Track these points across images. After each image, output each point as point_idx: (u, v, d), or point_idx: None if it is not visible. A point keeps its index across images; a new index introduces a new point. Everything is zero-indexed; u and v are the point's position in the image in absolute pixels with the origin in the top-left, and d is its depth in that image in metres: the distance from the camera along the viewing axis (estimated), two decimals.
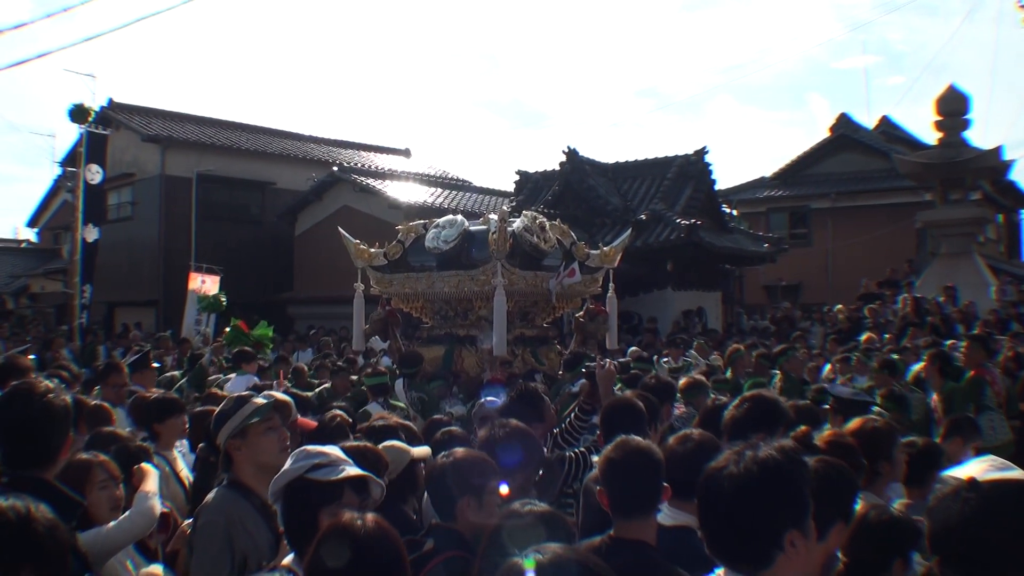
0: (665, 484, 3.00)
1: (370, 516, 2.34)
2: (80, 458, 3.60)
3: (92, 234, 19.50)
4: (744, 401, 3.88)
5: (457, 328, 8.72)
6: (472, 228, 8.66)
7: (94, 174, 19.35)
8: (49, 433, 2.99)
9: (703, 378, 7.58)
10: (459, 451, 3.38)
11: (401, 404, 7.75)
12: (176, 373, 10.61)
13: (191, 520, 3.71)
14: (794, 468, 1.99)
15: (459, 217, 8.90)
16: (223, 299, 13.45)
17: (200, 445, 4.70)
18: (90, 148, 19.53)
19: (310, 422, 4.67)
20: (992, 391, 8.08)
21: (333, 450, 3.01)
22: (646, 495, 2.99)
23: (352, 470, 2.92)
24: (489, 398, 5.64)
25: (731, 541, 1.97)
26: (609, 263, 9.09)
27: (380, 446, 3.77)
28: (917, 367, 9.29)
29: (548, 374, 8.26)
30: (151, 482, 3.79)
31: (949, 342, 11.03)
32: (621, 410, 4.26)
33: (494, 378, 7.16)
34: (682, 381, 7.21)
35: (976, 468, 1.90)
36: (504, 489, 3.28)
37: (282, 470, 2.92)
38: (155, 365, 8.38)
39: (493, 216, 8.67)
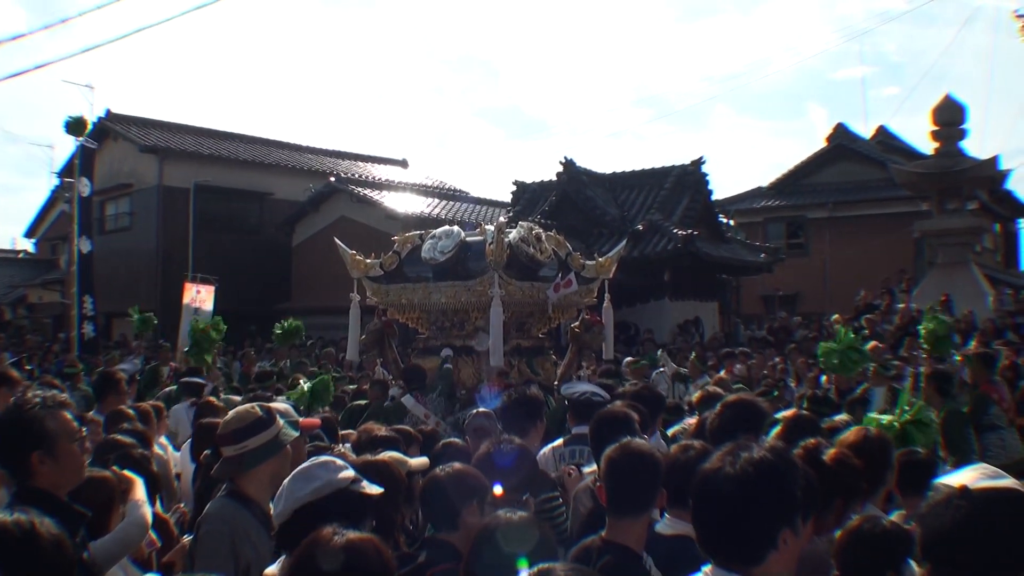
0: (662, 489, 3.09)
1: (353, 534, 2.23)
2: (105, 475, 3.65)
3: (85, 245, 19.55)
4: (725, 407, 3.88)
5: (454, 339, 8.72)
6: (468, 239, 8.67)
7: (84, 187, 19.45)
8: (10, 445, 2.93)
9: (719, 389, 7.02)
10: (456, 464, 3.40)
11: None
12: (173, 388, 10.32)
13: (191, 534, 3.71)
14: (787, 469, 2.01)
15: (455, 228, 8.90)
16: (202, 325, 12.81)
17: (205, 452, 4.71)
18: (83, 161, 19.60)
19: (314, 420, 4.66)
20: (999, 408, 7.70)
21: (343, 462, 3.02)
22: (642, 496, 3.09)
23: (371, 487, 2.92)
24: (482, 409, 5.59)
25: (727, 541, 2.00)
26: (604, 273, 9.10)
27: (379, 456, 3.77)
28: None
29: (544, 384, 8.25)
30: (139, 490, 3.79)
31: (958, 357, 10.62)
32: (610, 421, 4.09)
33: (492, 384, 7.11)
34: (696, 395, 6.91)
35: (968, 476, 1.92)
36: (498, 489, 3.29)
37: (323, 480, 2.79)
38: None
39: (490, 227, 8.69)
